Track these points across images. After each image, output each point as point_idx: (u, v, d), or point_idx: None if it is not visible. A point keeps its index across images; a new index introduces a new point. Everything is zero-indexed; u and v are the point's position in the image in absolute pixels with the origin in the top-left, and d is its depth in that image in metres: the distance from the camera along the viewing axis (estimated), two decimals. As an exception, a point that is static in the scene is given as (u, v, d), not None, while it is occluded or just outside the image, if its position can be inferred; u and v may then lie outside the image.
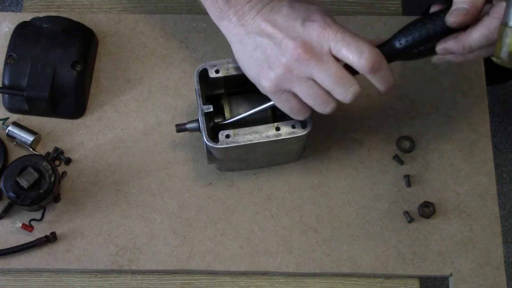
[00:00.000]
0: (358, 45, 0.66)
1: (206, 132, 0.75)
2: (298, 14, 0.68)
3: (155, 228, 0.84)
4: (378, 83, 0.68)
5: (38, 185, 0.79)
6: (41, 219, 0.83)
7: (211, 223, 0.85)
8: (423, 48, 0.69)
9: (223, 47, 0.92)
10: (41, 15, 0.90)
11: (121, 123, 0.89)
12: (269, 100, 0.73)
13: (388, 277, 0.84)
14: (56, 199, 0.84)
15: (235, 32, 0.70)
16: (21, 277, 0.84)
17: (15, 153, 0.87)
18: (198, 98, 0.76)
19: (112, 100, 0.90)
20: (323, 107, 0.70)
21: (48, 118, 0.89)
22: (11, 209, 0.84)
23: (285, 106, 0.71)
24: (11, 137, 0.86)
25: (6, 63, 0.87)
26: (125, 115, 0.89)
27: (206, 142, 0.74)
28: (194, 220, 0.85)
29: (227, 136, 0.74)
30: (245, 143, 0.74)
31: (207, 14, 0.73)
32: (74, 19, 0.90)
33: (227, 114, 0.78)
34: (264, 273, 0.84)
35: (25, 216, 0.84)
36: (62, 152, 0.87)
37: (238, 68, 0.74)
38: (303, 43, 0.66)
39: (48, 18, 0.89)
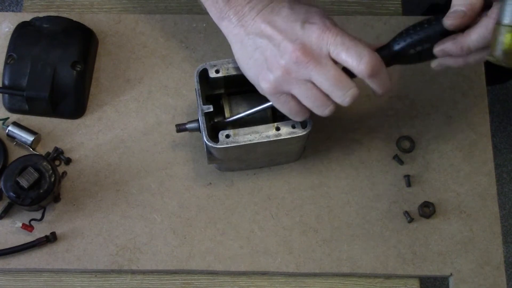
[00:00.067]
0: (358, 50, 0.66)
1: (206, 132, 0.75)
2: (298, 16, 0.68)
3: (155, 228, 0.84)
4: (375, 86, 0.68)
5: (38, 185, 0.79)
6: (41, 219, 0.83)
7: (211, 223, 0.85)
8: (421, 48, 0.69)
9: (223, 47, 0.92)
10: (41, 15, 0.90)
11: (121, 123, 0.89)
12: (269, 100, 0.73)
13: (388, 277, 0.84)
14: (56, 199, 0.84)
15: (235, 32, 0.70)
16: (21, 277, 0.84)
17: (15, 153, 0.87)
18: (198, 98, 0.76)
19: (112, 100, 0.90)
20: (322, 110, 0.70)
21: (48, 118, 0.89)
22: (11, 209, 0.84)
23: (283, 107, 0.71)
24: (11, 137, 0.86)
25: (6, 63, 0.87)
26: (125, 115, 0.89)
27: (206, 142, 0.75)
28: (194, 220, 0.85)
29: (227, 136, 0.74)
30: (245, 143, 0.74)
31: (207, 14, 0.73)
32: (74, 19, 0.90)
33: (227, 114, 0.78)
34: (264, 273, 0.84)
35: (25, 216, 0.84)
36: (62, 152, 0.87)
37: (238, 68, 0.74)
38: (302, 46, 0.66)
39: (48, 18, 0.89)
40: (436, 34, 0.68)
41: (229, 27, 0.71)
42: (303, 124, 0.75)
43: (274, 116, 0.78)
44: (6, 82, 0.86)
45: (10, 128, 0.86)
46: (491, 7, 0.65)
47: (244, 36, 0.70)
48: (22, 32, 0.88)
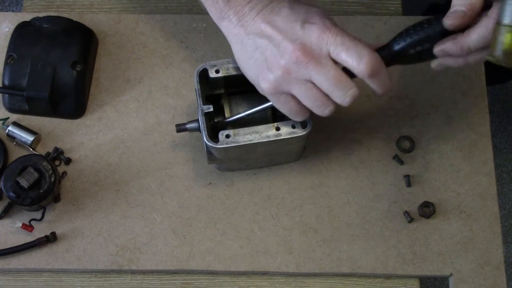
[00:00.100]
0: (358, 50, 0.66)
1: (206, 132, 0.75)
2: (298, 16, 0.68)
3: (155, 228, 0.84)
4: (375, 86, 0.68)
5: (38, 185, 0.79)
6: (41, 219, 0.83)
7: (211, 223, 0.85)
8: (421, 48, 0.69)
9: (223, 47, 0.92)
10: (41, 15, 0.90)
11: (121, 123, 0.89)
12: (269, 100, 0.73)
13: (388, 277, 0.84)
14: (56, 199, 0.84)
15: (235, 32, 0.70)
16: (21, 277, 0.84)
17: (15, 153, 0.87)
18: (198, 98, 0.76)
19: (112, 100, 0.90)
20: (322, 110, 0.70)
21: (48, 118, 0.89)
22: (11, 209, 0.84)
23: (283, 107, 0.71)
24: (11, 137, 0.86)
25: (6, 63, 0.87)
26: (125, 115, 0.89)
27: (206, 142, 0.75)
28: (194, 220, 0.85)
29: (227, 136, 0.74)
30: (245, 143, 0.74)
31: (207, 14, 0.73)
32: (74, 19, 0.90)
33: (227, 114, 0.78)
34: (264, 273, 0.84)
35: (25, 216, 0.84)
36: (62, 152, 0.87)
37: (238, 68, 0.74)
38: (302, 46, 0.66)
39: (48, 18, 0.89)
40: (436, 34, 0.68)
41: (229, 27, 0.71)
42: (303, 124, 0.75)
43: (274, 116, 0.78)
44: (6, 82, 0.86)
45: (10, 128, 0.86)
46: (491, 7, 0.65)
47: (244, 36, 0.70)
48: (22, 32, 0.88)
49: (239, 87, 0.78)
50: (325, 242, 0.84)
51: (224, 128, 0.76)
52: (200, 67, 0.76)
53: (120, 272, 0.84)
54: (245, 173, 0.87)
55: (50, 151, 0.87)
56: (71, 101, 0.87)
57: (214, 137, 0.75)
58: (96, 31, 0.91)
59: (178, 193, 0.86)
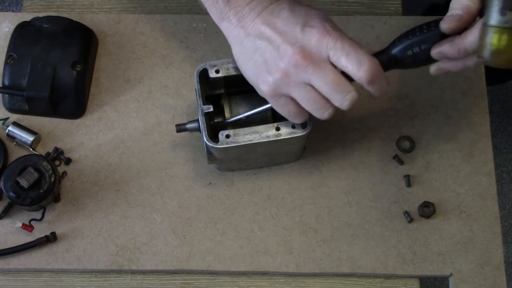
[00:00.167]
0: (358, 56, 0.66)
1: (206, 132, 0.75)
2: (298, 18, 0.68)
3: (155, 228, 0.84)
4: (373, 91, 0.69)
5: (38, 185, 0.79)
6: (41, 219, 0.83)
7: (211, 223, 0.85)
8: (419, 53, 0.68)
9: (223, 47, 0.92)
10: (41, 15, 0.90)
11: (121, 123, 0.89)
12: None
13: (388, 277, 0.84)
14: (56, 199, 0.84)
15: (235, 33, 0.70)
16: (21, 277, 0.84)
17: (15, 153, 0.87)
18: (198, 98, 0.76)
19: (112, 100, 0.90)
20: (321, 113, 0.70)
21: (48, 118, 0.89)
22: (11, 209, 0.84)
23: (283, 110, 0.71)
24: (11, 137, 0.86)
25: (6, 63, 0.87)
26: (125, 115, 0.89)
27: (206, 142, 0.75)
28: (194, 220, 0.85)
29: (227, 136, 0.74)
30: (245, 143, 0.74)
31: (207, 14, 0.73)
32: (74, 19, 0.90)
33: (227, 114, 0.78)
34: (264, 273, 0.84)
35: (25, 216, 0.84)
36: (62, 152, 0.87)
37: (238, 68, 0.74)
38: (301, 49, 0.66)
39: (48, 18, 0.89)
40: (434, 38, 0.67)
41: (229, 28, 0.71)
42: (303, 124, 0.75)
43: (274, 116, 0.78)
44: (6, 82, 0.86)
45: (10, 128, 0.86)
46: None
47: (244, 37, 0.70)
48: (22, 32, 0.88)
49: (239, 87, 0.78)
50: (325, 242, 0.84)
51: (224, 128, 0.76)
52: (200, 67, 0.76)
53: (120, 272, 0.84)
54: (245, 173, 0.87)
55: (50, 151, 0.87)
56: (71, 101, 0.87)
57: (214, 137, 0.75)
58: (96, 31, 0.91)
59: (178, 193, 0.86)
